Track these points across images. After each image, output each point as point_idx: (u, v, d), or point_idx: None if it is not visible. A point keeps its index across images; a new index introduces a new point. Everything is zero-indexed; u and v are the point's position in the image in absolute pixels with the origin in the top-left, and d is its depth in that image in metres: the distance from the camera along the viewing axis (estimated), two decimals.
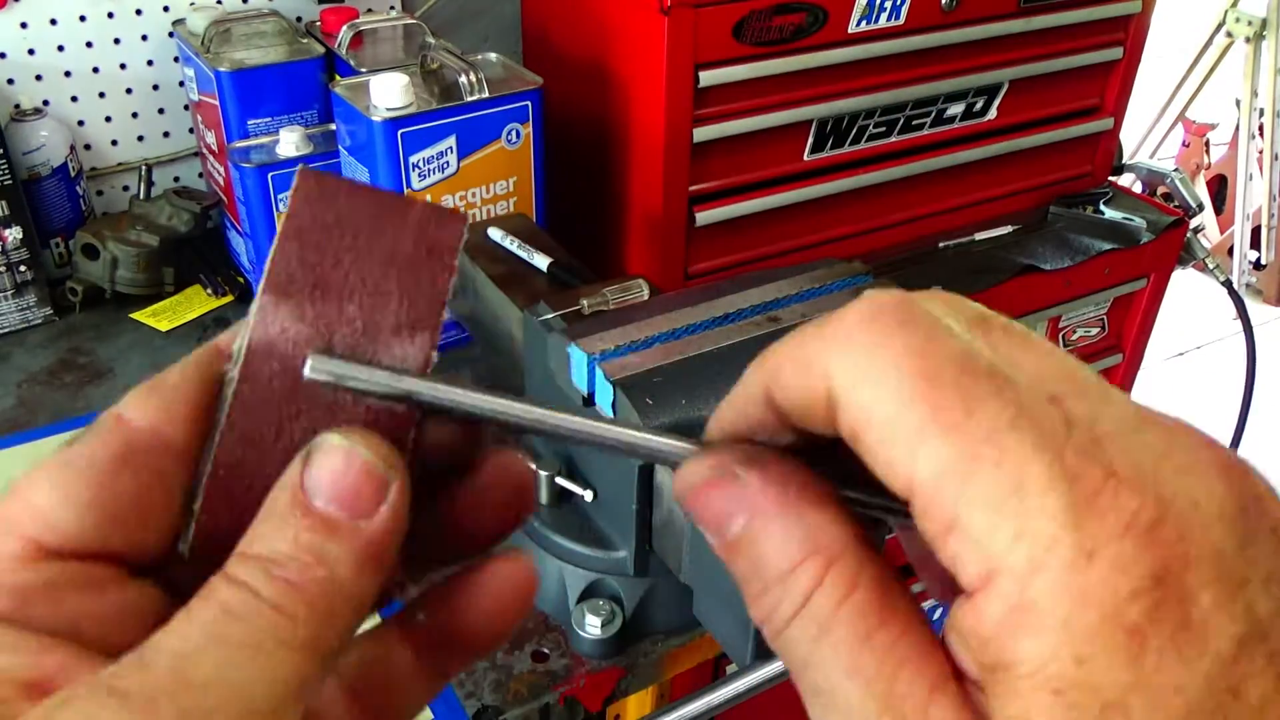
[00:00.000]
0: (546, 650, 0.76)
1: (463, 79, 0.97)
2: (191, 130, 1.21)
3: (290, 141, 1.03)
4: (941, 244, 1.26)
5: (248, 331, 0.24)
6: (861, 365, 0.21)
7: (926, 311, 0.22)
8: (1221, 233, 2.83)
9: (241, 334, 0.25)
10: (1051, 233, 1.31)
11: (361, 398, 0.24)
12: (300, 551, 0.23)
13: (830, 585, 0.22)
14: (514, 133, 1.00)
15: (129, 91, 1.17)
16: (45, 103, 1.13)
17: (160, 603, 0.24)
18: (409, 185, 0.96)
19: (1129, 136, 2.78)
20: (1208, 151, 2.87)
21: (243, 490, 0.24)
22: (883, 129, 1.17)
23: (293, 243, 0.25)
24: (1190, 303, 2.86)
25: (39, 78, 1.12)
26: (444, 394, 0.24)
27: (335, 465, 0.23)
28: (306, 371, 0.24)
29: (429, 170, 0.97)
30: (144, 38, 1.16)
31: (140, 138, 1.20)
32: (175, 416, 0.25)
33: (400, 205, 0.25)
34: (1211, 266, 1.49)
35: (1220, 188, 2.85)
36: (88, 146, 1.17)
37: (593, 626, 0.74)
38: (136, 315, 1.11)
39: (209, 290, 1.15)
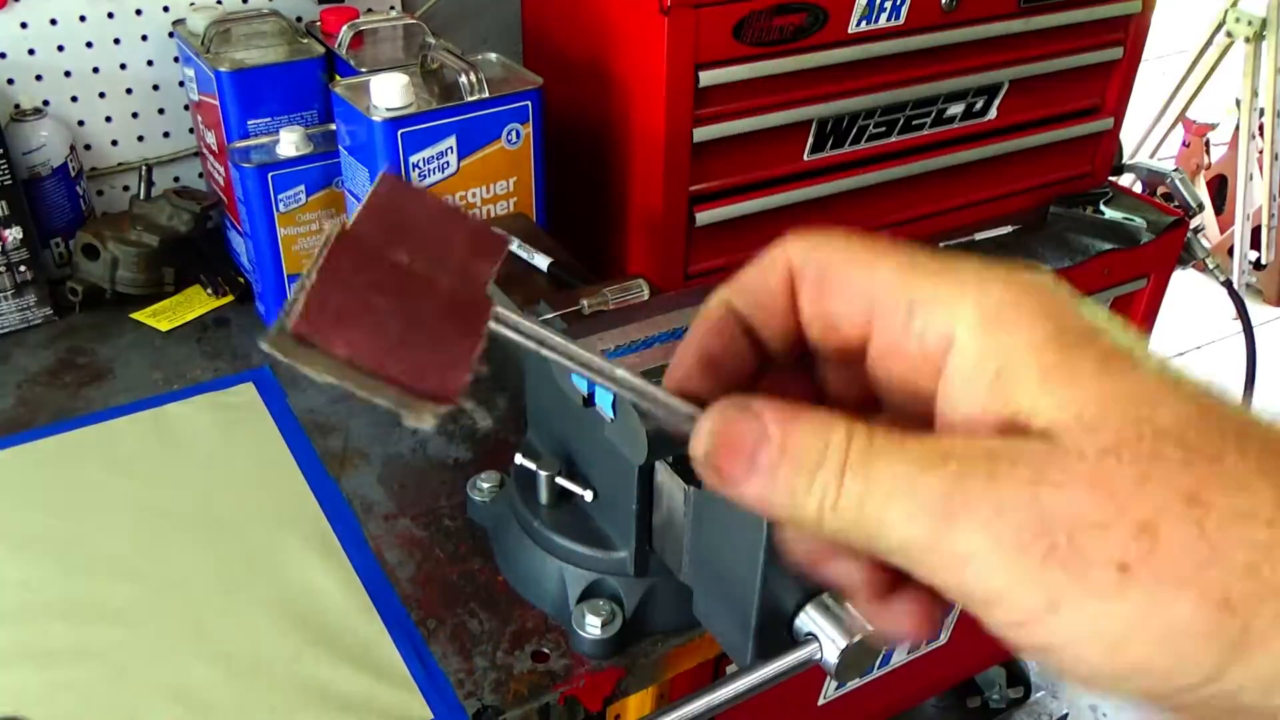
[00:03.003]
0: (546, 650, 0.76)
1: (463, 79, 0.97)
2: (191, 130, 1.21)
3: (290, 141, 1.03)
4: (941, 244, 1.26)
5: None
6: (819, 249, 0.28)
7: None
8: (1221, 233, 2.83)
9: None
10: (1051, 233, 1.31)
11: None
12: None
13: (859, 432, 0.24)
14: (514, 133, 1.00)
15: (129, 91, 1.17)
16: (45, 103, 1.13)
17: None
18: (503, 253, 0.96)
19: (1129, 136, 2.78)
20: (1208, 151, 2.87)
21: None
22: (883, 129, 1.17)
23: (376, 213, 0.28)
24: (1190, 303, 2.86)
25: (39, 78, 1.12)
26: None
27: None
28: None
29: (429, 170, 0.97)
30: (144, 38, 1.16)
31: (140, 138, 1.20)
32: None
33: (456, 216, 0.29)
34: (1211, 266, 1.49)
35: (1220, 188, 2.85)
36: (88, 146, 1.18)
37: (593, 626, 0.74)
38: (136, 315, 1.11)
39: (209, 290, 1.15)
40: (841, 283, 0.27)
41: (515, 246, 0.93)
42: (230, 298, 1.14)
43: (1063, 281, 0.25)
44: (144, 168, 1.17)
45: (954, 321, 0.24)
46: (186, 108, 1.20)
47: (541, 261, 0.91)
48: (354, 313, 0.26)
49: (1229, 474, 0.21)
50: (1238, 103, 2.63)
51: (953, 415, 0.25)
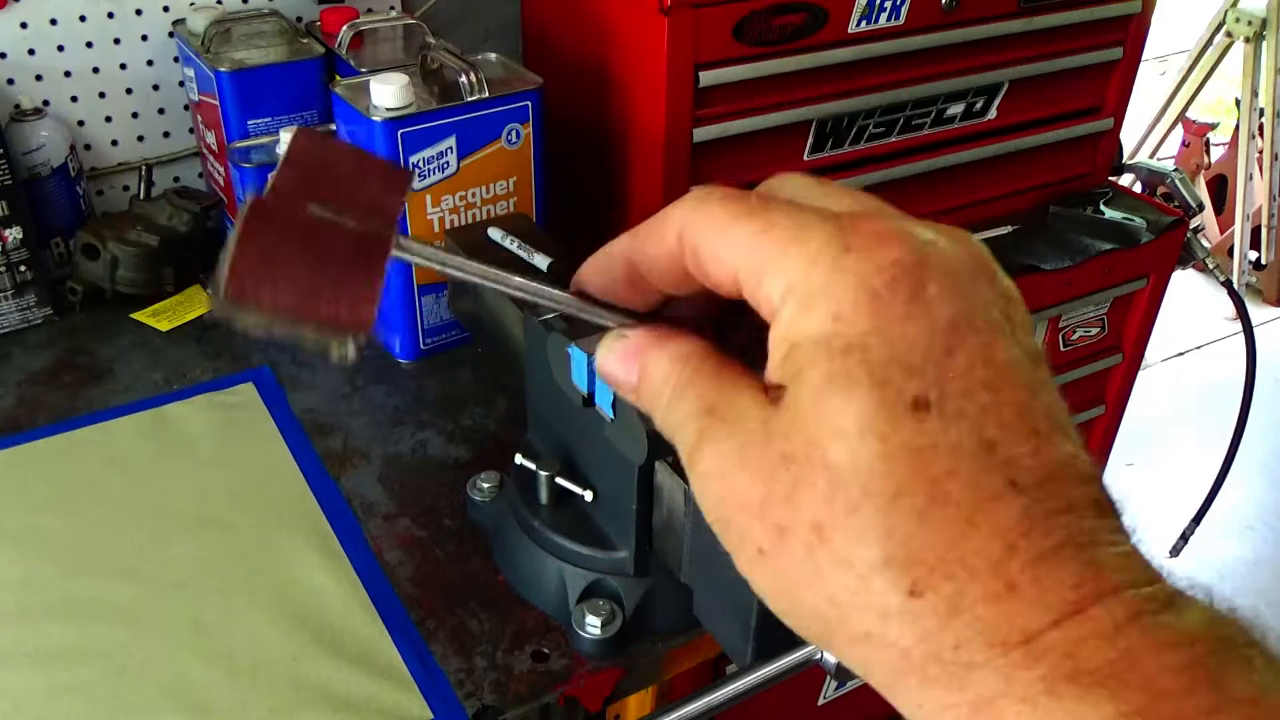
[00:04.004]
0: (546, 650, 0.76)
1: (463, 79, 0.97)
2: (191, 130, 1.21)
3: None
4: None
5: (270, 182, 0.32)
6: (696, 210, 0.29)
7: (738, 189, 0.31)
8: (1221, 233, 2.83)
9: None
10: (1051, 233, 1.31)
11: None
12: None
13: (684, 370, 0.31)
14: (514, 133, 1.00)
15: (129, 91, 1.17)
16: (45, 103, 1.13)
17: None
18: (409, 185, 0.96)
19: (1129, 136, 2.78)
20: (1208, 151, 2.87)
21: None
22: (883, 129, 1.17)
23: (284, 170, 0.32)
24: (1190, 303, 2.86)
25: (39, 78, 1.12)
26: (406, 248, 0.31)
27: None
28: (311, 209, 0.31)
29: (429, 170, 0.97)
30: (144, 38, 1.16)
31: (140, 138, 1.20)
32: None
33: (366, 157, 0.33)
34: (1211, 266, 1.49)
35: (1220, 188, 2.85)
36: (88, 146, 1.18)
37: (593, 626, 0.74)
38: (136, 315, 1.11)
39: (209, 290, 1.15)
40: (710, 255, 0.29)
41: (515, 246, 0.93)
42: None
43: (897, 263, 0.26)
44: (144, 168, 1.17)
45: (781, 296, 0.27)
46: (186, 108, 1.20)
47: (541, 261, 0.91)
48: (269, 271, 0.30)
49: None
50: (1237, 103, 2.63)
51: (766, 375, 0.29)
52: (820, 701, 1.44)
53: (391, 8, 1.26)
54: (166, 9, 1.15)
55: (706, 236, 0.29)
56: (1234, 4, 2.55)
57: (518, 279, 0.33)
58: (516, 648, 0.76)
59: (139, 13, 1.14)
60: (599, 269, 0.33)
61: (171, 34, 1.16)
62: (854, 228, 0.27)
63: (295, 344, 0.32)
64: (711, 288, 0.30)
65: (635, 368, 0.32)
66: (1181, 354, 2.79)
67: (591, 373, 0.66)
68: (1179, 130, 2.86)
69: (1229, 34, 2.58)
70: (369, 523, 0.87)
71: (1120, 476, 2.25)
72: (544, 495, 0.78)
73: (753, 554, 0.27)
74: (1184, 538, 1.99)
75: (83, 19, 1.12)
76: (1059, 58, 1.23)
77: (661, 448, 0.62)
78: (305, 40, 1.14)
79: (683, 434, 0.30)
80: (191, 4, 1.16)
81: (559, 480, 0.76)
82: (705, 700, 0.62)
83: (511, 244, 0.93)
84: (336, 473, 0.92)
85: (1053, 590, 0.24)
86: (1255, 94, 2.53)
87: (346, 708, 0.71)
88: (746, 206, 0.28)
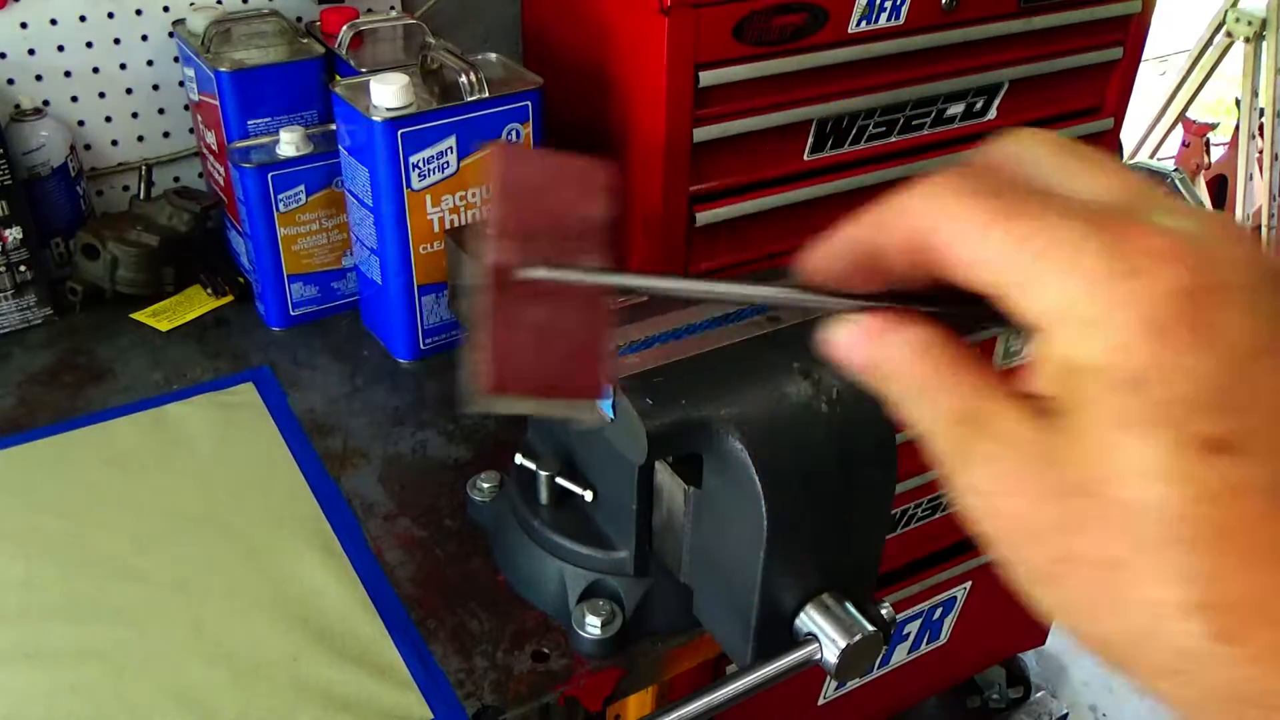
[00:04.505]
0: (546, 650, 0.76)
1: (463, 79, 0.97)
2: (191, 130, 1.21)
3: (290, 141, 1.03)
4: None
5: (487, 259, 0.35)
6: (945, 205, 0.28)
7: (995, 167, 0.30)
8: None
9: (481, 263, 0.35)
10: None
11: (570, 285, 0.35)
12: None
13: (923, 363, 0.30)
14: (514, 133, 1.00)
15: (129, 91, 1.17)
16: (45, 103, 1.13)
17: None
18: (409, 185, 0.96)
19: (1129, 136, 2.78)
20: (1208, 151, 2.87)
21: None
22: (883, 129, 1.17)
23: (501, 204, 0.35)
24: None
25: (39, 78, 1.12)
26: (617, 278, 0.34)
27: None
28: (528, 273, 0.34)
29: (429, 170, 0.97)
30: (144, 38, 1.16)
31: (140, 138, 1.20)
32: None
33: (565, 163, 0.36)
34: None
35: (1220, 188, 2.85)
36: (88, 146, 1.18)
37: (593, 626, 0.74)
38: (136, 315, 1.11)
39: (209, 290, 1.15)
40: (962, 259, 0.27)
41: None
42: (230, 298, 1.14)
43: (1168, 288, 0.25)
44: (144, 168, 1.17)
45: (1052, 314, 0.26)
46: (186, 108, 1.20)
47: None
48: (519, 362, 0.33)
49: None
50: (1238, 103, 2.63)
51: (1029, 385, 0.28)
52: (820, 701, 1.44)
53: (391, 8, 1.26)
54: (166, 9, 1.15)
55: (958, 237, 0.27)
56: (1234, 4, 2.55)
57: (737, 286, 0.33)
58: (516, 648, 0.76)
59: (139, 13, 1.14)
60: (829, 256, 0.32)
61: (171, 34, 1.16)
62: (1129, 241, 0.25)
63: (548, 417, 0.34)
64: (956, 284, 0.28)
65: (867, 354, 0.31)
66: None
67: None
68: (1179, 130, 2.86)
69: (1229, 34, 2.58)
70: (369, 523, 0.87)
71: None
72: (544, 495, 0.78)
73: (1031, 576, 0.27)
74: None
75: (83, 19, 1.12)
76: (1059, 58, 1.24)
77: (662, 448, 0.62)
78: (305, 40, 1.14)
79: (934, 438, 0.29)
80: (191, 4, 1.16)
81: (559, 480, 0.77)
82: (705, 700, 0.62)
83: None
84: (336, 473, 0.92)
85: None
86: (1255, 94, 2.52)
87: (346, 708, 0.71)
88: (1002, 205, 0.27)
